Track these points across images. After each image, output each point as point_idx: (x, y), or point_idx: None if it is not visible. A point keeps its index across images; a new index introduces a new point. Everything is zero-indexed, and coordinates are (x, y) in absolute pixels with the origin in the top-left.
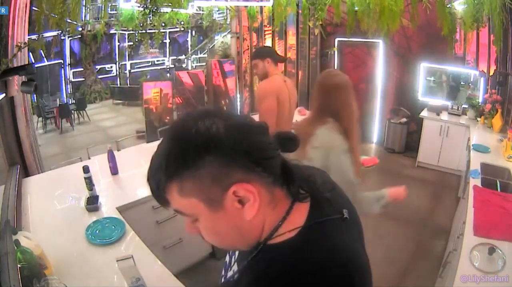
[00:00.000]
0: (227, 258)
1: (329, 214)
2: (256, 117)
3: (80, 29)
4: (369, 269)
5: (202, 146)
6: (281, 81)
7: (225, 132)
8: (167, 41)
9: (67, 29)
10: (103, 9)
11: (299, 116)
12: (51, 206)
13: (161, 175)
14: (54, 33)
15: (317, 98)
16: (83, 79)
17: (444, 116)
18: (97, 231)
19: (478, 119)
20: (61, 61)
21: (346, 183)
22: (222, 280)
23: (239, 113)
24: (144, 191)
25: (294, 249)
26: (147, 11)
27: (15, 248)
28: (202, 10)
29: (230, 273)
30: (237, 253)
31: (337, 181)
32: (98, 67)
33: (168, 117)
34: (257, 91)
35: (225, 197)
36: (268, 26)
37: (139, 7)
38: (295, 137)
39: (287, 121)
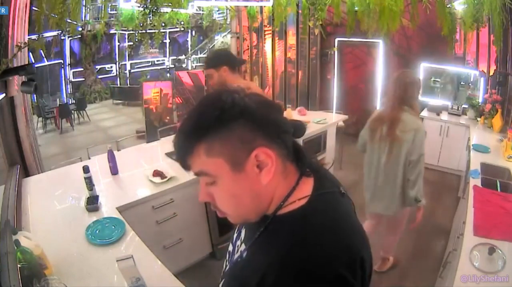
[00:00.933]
0: (230, 247)
1: (330, 188)
2: (266, 98)
3: (80, 29)
4: (366, 237)
5: (237, 111)
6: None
7: (256, 105)
8: (167, 41)
9: (67, 29)
10: (103, 9)
11: (299, 116)
12: (51, 206)
13: (194, 136)
14: (54, 33)
15: (395, 91)
16: (83, 79)
17: (444, 116)
18: (97, 231)
19: (478, 119)
20: (61, 61)
21: (422, 158)
22: (227, 266)
23: (261, 94)
24: (144, 191)
25: (305, 214)
26: (147, 11)
27: (15, 248)
28: (202, 10)
29: (237, 255)
30: (242, 235)
31: (419, 157)
32: (98, 67)
33: (168, 117)
34: None
35: (248, 159)
36: (268, 26)
37: (139, 7)
38: (303, 124)
39: None
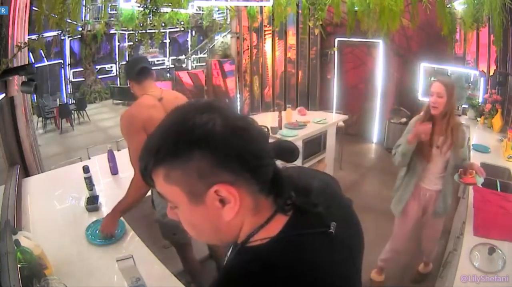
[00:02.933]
0: (226, 256)
1: (311, 228)
2: (245, 120)
3: (80, 29)
4: None
5: (195, 141)
6: (151, 102)
7: (221, 132)
8: (167, 41)
9: (67, 29)
10: (103, 9)
11: (299, 116)
12: (51, 206)
13: (151, 158)
14: (54, 33)
15: (451, 98)
16: (83, 79)
17: None
18: (97, 231)
19: (478, 119)
20: (61, 61)
21: None
22: None
23: (241, 114)
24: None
25: (257, 256)
26: (147, 11)
27: (15, 248)
28: (202, 10)
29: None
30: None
31: None
32: (98, 67)
33: None
34: (120, 122)
35: (207, 194)
36: (268, 26)
37: (139, 7)
38: (295, 148)
39: None
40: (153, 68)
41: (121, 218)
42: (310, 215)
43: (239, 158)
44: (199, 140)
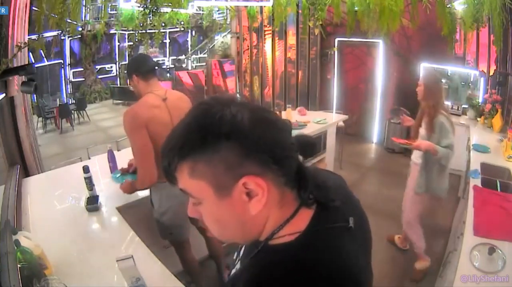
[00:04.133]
0: (235, 254)
1: (334, 222)
2: (270, 112)
3: (80, 29)
4: (365, 284)
5: (224, 133)
6: (155, 102)
7: (249, 124)
8: (167, 41)
9: (67, 29)
10: (103, 9)
11: (299, 116)
12: (51, 206)
13: (175, 154)
14: (54, 33)
15: (428, 86)
16: (83, 79)
17: None
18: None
19: (478, 119)
20: (61, 61)
21: None
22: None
23: (265, 107)
24: (144, 191)
25: (289, 254)
26: (147, 11)
27: (15, 248)
28: (202, 10)
29: (233, 271)
30: (242, 251)
31: None
32: (98, 67)
33: None
34: (123, 119)
35: (235, 186)
36: (268, 26)
37: (139, 7)
38: (314, 142)
39: None
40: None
41: (122, 217)
42: (331, 209)
43: (267, 149)
44: (228, 132)
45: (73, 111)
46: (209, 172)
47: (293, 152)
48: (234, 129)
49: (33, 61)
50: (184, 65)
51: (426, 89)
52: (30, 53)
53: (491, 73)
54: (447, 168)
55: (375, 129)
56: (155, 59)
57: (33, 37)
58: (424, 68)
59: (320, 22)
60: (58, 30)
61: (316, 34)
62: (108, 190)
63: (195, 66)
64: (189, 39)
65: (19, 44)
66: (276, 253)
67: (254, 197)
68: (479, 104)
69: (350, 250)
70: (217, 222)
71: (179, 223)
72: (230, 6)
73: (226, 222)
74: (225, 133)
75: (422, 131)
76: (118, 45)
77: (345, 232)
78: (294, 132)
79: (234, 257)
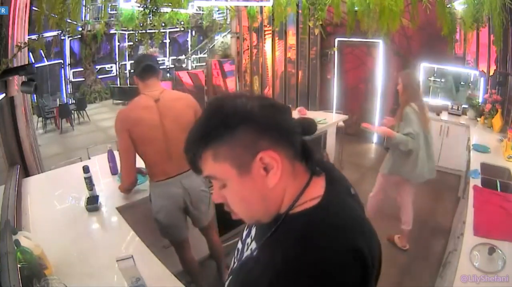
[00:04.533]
0: (239, 245)
1: (341, 188)
2: (274, 101)
3: (80, 29)
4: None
5: (239, 118)
6: (146, 103)
7: (259, 110)
8: (167, 41)
9: (67, 29)
10: (103, 9)
11: (299, 116)
12: (51, 206)
13: (200, 143)
14: (54, 33)
15: (404, 85)
16: (83, 79)
17: (444, 116)
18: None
19: (478, 119)
20: (61, 61)
21: None
22: (235, 263)
23: (268, 97)
24: (144, 191)
25: (316, 215)
26: (147, 11)
27: (15, 248)
28: (202, 10)
29: (247, 253)
30: (253, 233)
31: None
32: (98, 67)
33: None
34: None
35: (253, 163)
36: (268, 26)
37: (139, 7)
38: (313, 121)
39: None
40: None
41: (122, 217)
42: (336, 177)
43: (275, 128)
44: (243, 117)
45: (73, 111)
46: (230, 154)
47: (297, 129)
48: (247, 114)
49: (33, 61)
50: (184, 65)
51: (403, 87)
52: (30, 53)
53: (491, 73)
54: (415, 153)
55: None
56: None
57: (33, 37)
58: (438, 77)
59: (320, 22)
60: (58, 30)
61: (316, 34)
62: (108, 190)
63: (195, 66)
64: (189, 39)
65: (19, 44)
66: (303, 216)
67: (270, 170)
68: (479, 104)
69: (359, 211)
70: (242, 201)
71: (175, 223)
72: (230, 6)
73: (250, 199)
74: (240, 119)
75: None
76: (118, 45)
77: (351, 198)
78: None
79: (243, 238)
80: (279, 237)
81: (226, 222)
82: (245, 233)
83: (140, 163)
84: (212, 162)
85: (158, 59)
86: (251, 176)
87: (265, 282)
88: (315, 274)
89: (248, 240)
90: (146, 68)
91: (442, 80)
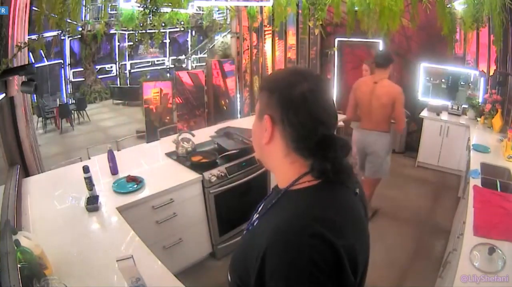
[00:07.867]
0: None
1: (343, 183)
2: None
3: (80, 29)
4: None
5: (270, 88)
6: (368, 82)
7: (298, 95)
8: (167, 41)
9: (67, 29)
10: (103, 9)
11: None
12: (51, 206)
13: (261, 87)
14: (54, 33)
15: None
16: (83, 79)
17: (444, 116)
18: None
19: (478, 119)
20: (61, 61)
21: None
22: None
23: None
24: (144, 191)
25: (312, 191)
26: (147, 11)
27: (15, 248)
28: (202, 10)
29: (250, 225)
30: (259, 209)
31: None
32: (98, 67)
33: (168, 117)
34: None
35: (263, 117)
36: (268, 26)
37: (139, 7)
38: (347, 144)
39: None
40: (153, 68)
41: (122, 217)
42: (340, 179)
43: (292, 122)
44: (272, 89)
45: (73, 111)
46: (263, 102)
47: (315, 133)
48: (274, 86)
49: (33, 61)
50: (184, 65)
51: None
52: (30, 53)
53: (491, 73)
54: None
55: None
56: (155, 59)
57: (33, 37)
58: (438, 76)
59: (320, 22)
60: (58, 30)
61: (316, 34)
62: (108, 190)
63: (195, 66)
64: (189, 39)
65: (19, 44)
66: (299, 194)
67: (266, 130)
68: (479, 104)
69: (359, 208)
70: (253, 133)
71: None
72: (230, 6)
73: (254, 135)
74: (271, 89)
75: None
76: (118, 45)
77: (351, 194)
78: None
79: (252, 215)
80: (276, 209)
81: (226, 222)
82: (255, 211)
83: (160, 167)
84: (263, 100)
85: (158, 59)
86: (260, 123)
87: (259, 250)
88: (291, 239)
89: (256, 215)
90: (377, 62)
91: (442, 80)
